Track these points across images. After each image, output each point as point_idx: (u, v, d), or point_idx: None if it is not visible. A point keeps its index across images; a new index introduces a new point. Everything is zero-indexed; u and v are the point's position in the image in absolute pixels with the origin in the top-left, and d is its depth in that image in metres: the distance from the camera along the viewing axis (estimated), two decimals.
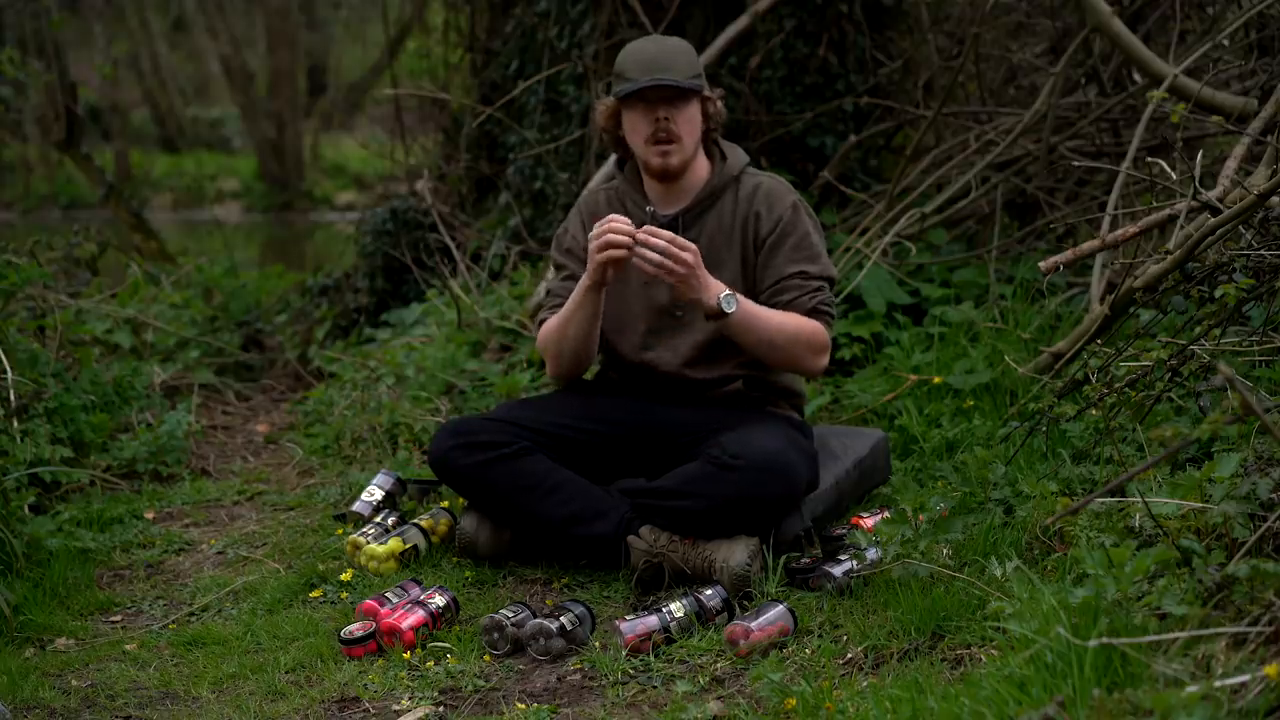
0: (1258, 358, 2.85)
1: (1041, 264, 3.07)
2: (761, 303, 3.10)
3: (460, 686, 2.54)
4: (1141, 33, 4.32)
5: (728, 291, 2.91)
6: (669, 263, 2.84)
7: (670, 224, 3.13)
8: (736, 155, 3.20)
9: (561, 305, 3.18)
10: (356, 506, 3.47)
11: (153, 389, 4.56)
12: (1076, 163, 4.25)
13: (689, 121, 3.06)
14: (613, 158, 3.30)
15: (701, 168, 3.16)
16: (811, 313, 3.05)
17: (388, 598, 2.82)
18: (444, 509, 3.31)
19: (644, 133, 3.06)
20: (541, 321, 3.24)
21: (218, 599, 3.09)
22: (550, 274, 3.31)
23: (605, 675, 2.54)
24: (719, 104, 3.14)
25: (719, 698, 2.41)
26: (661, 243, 2.85)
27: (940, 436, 3.57)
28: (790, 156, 5.03)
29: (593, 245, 2.93)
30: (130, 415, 4.33)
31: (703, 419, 3.10)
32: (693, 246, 2.87)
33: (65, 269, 5.51)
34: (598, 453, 3.14)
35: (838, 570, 2.82)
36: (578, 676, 2.57)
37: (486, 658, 2.66)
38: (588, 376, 3.54)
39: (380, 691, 2.53)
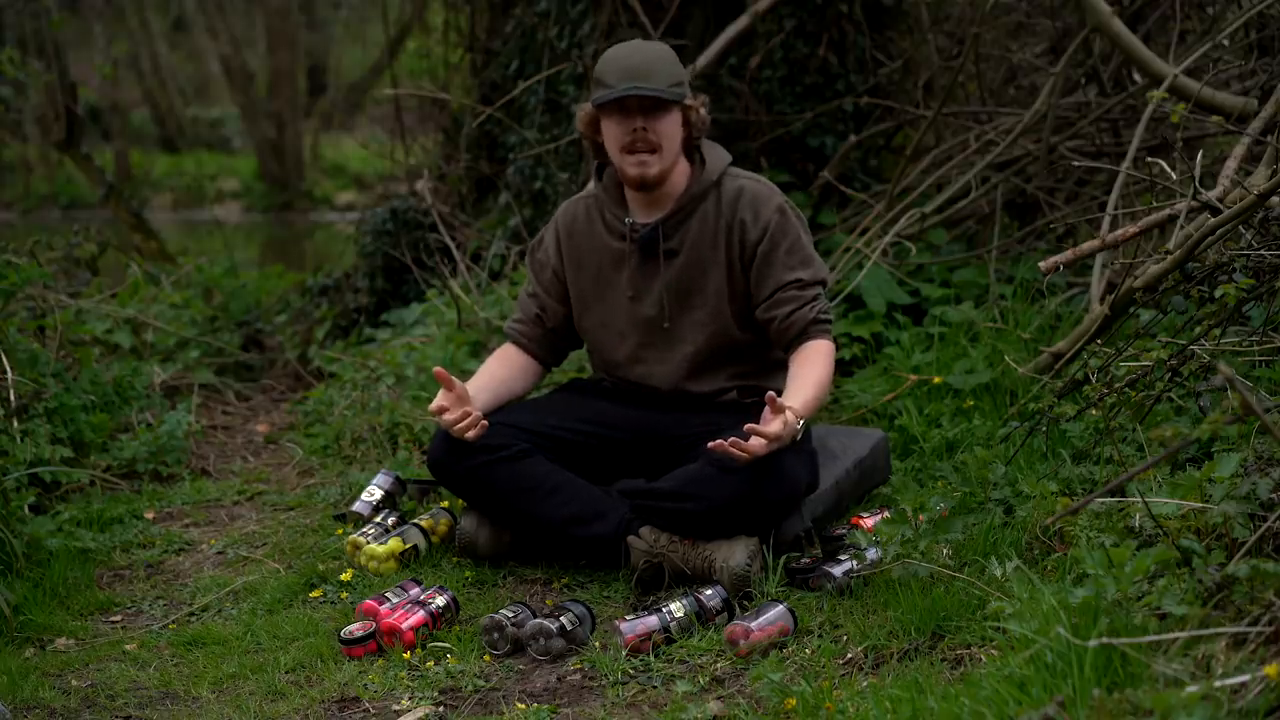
0: (1258, 358, 2.85)
1: (1041, 264, 3.07)
2: (760, 315, 3.09)
3: (460, 686, 2.54)
4: (1141, 33, 4.32)
5: (800, 424, 2.86)
6: (759, 454, 2.79)
7: (650, 233, 3.11)
8: (717, 158, 3.14)
9: (523, 317, 3.29)
10: (356, 506, 3.47)
11: (153, 389, 4.56)
12: (1076, 163, 4.25)
13: (668, 131, 3.01)
14: (596, 163, 3.28)
15: (681, 174, 3.12)
16: (813, 324, 3.04)
17: (388, 598, 2.82)
18: (444, 509, 3.31)
19: (621, 141, 3.01)
20: (508, 334, 3.33)
21: (218, 599, 3.09)
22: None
23: (605, 675, 2.54)
24: (702, 111, 3.08)
25: (719, 698, 2.41)
26: (752, 452, 2.77)
27: (940, 436, 3.57)
28: (790, 156, 5.03)
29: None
30: (130, 415, 4.33)
31: (702, 421, 3.10)
32: (778, 433, 2.78)
33: (65, 269, 5.51)
34: (597, 455, 3.14)
35: (838, 570, 2.82)
36: (578, 676, 2.57)
37: (486, 658, 2.66)
38: (586, 377, 3.55)
39: (380, 691, 2.53)
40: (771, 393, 2.80)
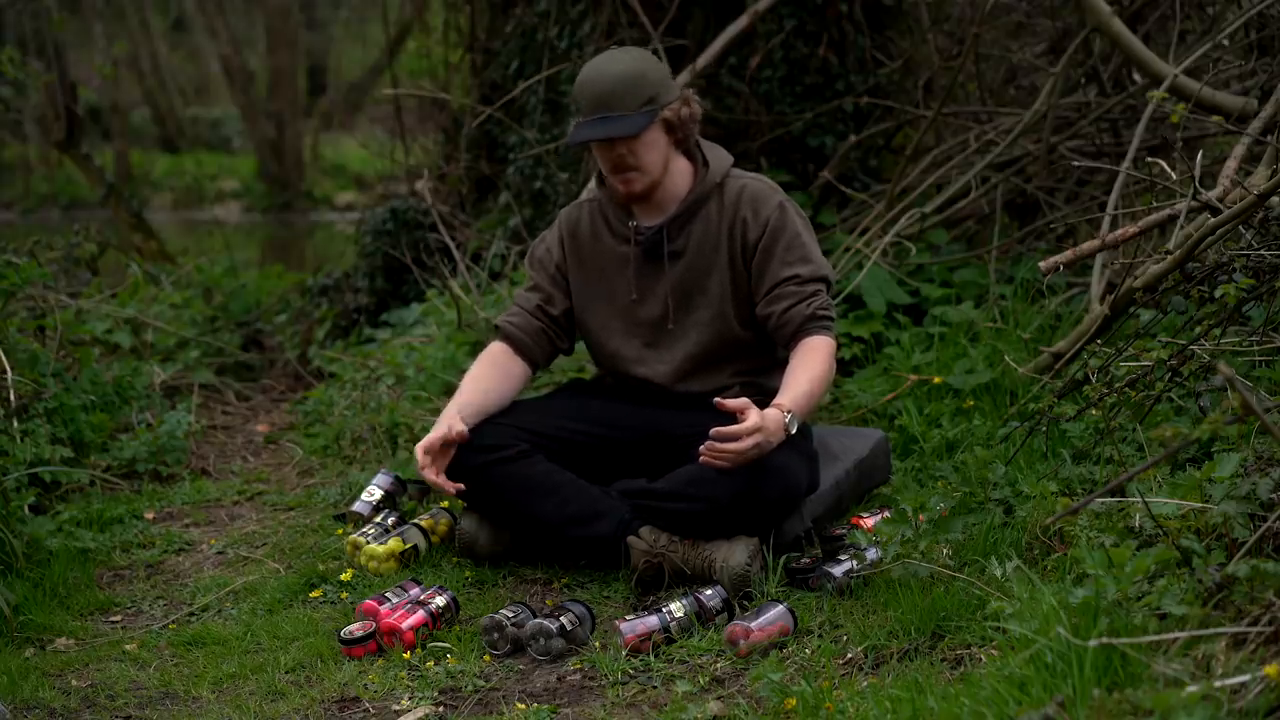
0: (1258, 358, 2.85)
1: (1041, 264, 3.08)
2: (759, 312, 3.09)
3: (460, 686, 2.54)
4: (1141, 33, 4.32)
5: (788, 416, 2.86)
6: (748, 456, 2.79)
7: (655, 235, 3.12)
8: (719, 159, 3.15)
9: (521, 310, 3.23)
10: (356, 506, 3.47)
11: (153, 389, 4.56)
12: (1076, 163, 4.25)
13: (648, 148, 3.02)
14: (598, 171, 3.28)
15: (682, 176, 3.13)
16: (811, 319, 3.03)
17: (388, 598, 2.82)
18: (444, 509, 3.31)
19: (606, 165, 3.06)
20: (499, 328, 3.26)
21: (218, 599, 3.09)
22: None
23: (605, 675, 2.54)
24: (690, 106, 3.07)
25: (719, 698, 2.41)
26: (732, 452, 2.77)
27: (940, 436, 3.57)
28: (790, 156, 5.03)
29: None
30: (130, 415, 4.33)
31: (702, 421, 3.09)
32: (751, 426, 2.77)
33: (65, 269, 5.50)
34: (597, 455, 3.14)
35: (838, 570, 2.82)
36: (578, 676, 2.57)
37: (486, 658, 2.66)
38: (587, 377, 3.55)
39: (380, 691, 2.53)
40: (718, 399, 2.82)
